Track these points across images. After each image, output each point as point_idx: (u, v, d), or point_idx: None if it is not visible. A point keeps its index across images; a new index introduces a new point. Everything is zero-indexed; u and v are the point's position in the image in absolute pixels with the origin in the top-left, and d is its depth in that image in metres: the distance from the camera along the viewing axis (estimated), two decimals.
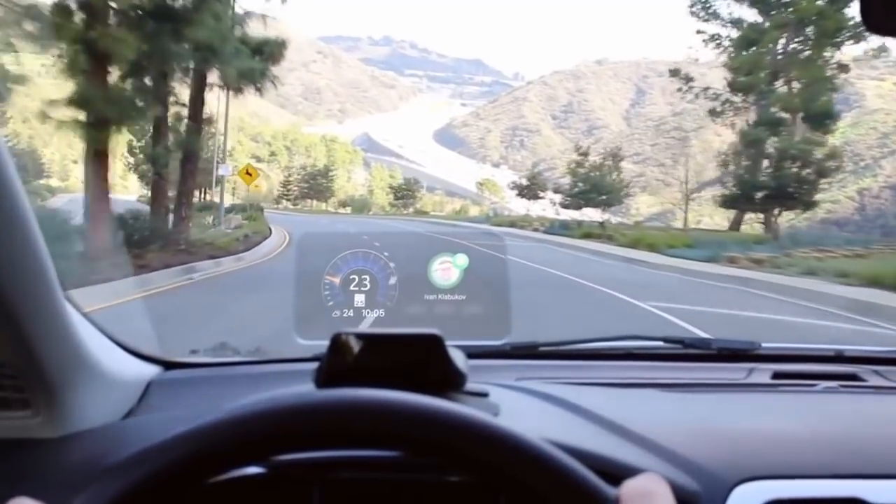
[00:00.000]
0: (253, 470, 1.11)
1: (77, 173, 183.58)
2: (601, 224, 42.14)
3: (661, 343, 1.96)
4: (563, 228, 41.02)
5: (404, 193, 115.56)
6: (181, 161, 23.33)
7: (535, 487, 0.78)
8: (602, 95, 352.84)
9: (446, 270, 1.48)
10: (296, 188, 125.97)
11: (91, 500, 0.78)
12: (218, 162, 36.45)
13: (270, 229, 33.89)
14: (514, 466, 0.78)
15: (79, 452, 1.18)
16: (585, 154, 49.92)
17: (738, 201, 39.24)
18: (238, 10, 23.94)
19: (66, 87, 18.15)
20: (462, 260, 1.48)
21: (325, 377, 1.07)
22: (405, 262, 1.51)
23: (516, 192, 66.26)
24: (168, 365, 1.66)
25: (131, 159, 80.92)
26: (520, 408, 1.31)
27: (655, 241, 29.45)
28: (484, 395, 1.16)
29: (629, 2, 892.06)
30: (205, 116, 24.95)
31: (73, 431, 1.21)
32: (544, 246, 32.39)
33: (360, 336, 1.06)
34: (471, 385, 1.13)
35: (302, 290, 1.48)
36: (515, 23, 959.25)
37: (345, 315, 1.47)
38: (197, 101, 23.62)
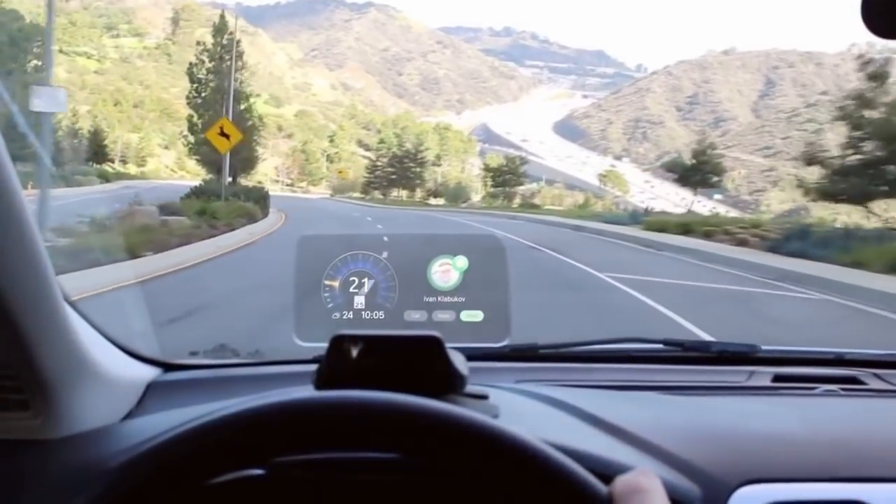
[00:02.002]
0: (252, 471, 1.09)
1: (165, 159, 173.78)
2: None
3: (661, 346, 1.92)
4: (824, 245, 18.52)
5: (506, 178, 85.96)
6: None
7: (528, 485, 0.78)
8: (729, 86, 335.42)
9: (446, 272, 1.45)
10: (382, 174, 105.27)
11: (90, 502, 0.78)
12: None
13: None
14: (510, 465, 0.79)
15: (78, 454, 1.16)
16: (881, 77, 21.07)
17: None
18: None
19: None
20: (462, 262, 1.45)
21: (325, 379, 1.04)
22: (405, 263, 1.47)
23: (676, 176, 42.99)
24: (167, 367, 1.62)
25: (191, 137, 63.24)
26: (519, 410, 1.30)
27: None
28: (484, 397, 1.14)
29: None
30: None
31: (72, 433, 1.19)
32: None
33: (359, 338, 1.04)
34: (470, 387, 1.11)
35: (301, 292, 1.45)
36: (639, 12, 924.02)
37: (344, 317, 1.44)
38: None
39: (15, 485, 1.09)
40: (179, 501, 0.81)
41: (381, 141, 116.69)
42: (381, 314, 1.44)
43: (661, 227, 27.67)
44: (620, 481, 0.75)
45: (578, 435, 1.20)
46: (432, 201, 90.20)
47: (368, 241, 1.48)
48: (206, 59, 74.35)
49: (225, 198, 27.70)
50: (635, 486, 0.74)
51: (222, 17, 76.23)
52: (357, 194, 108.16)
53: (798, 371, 1.82)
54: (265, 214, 29.46)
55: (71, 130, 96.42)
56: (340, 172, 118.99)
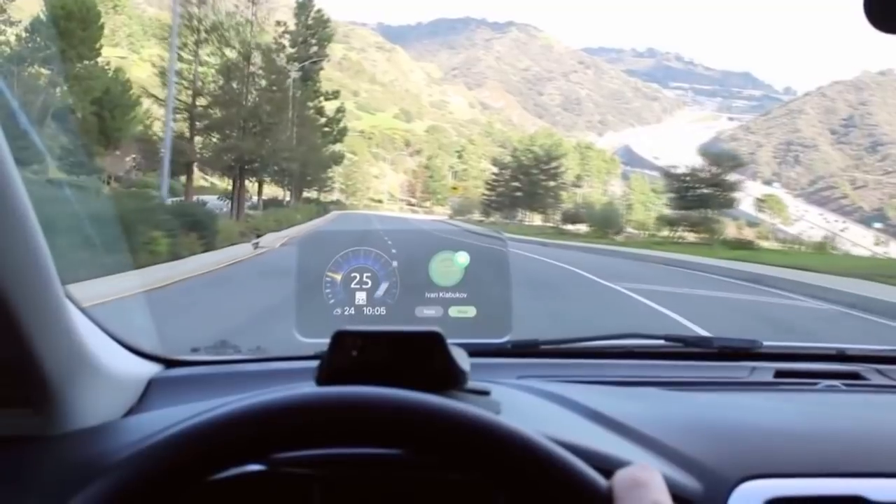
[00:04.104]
0: (253, 467, 1.07)
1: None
2: None
3: (662, 341, 1.90)
4: None
5: (702, 194, 50.54)
6: None
7: (529, 480, 0.77)
8: (888, 108, 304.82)
9: (447, 268, 1.41)
10: (505, 191, 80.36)
11: (90, 498, 0.77)
12: None
13: None
14: (511, 460, 0.78)
15: (78, 450, 1.14)
16: None
17: None
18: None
19: None
20: (463, 258, 1.41)
21: (326, 375, 1.03)
22: (407, 259, 1.44)
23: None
24: (169, 363, 1.60)
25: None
26: (521, 406, 1.29)
27: None
28: (485, 393, 1.13)
29: None
30: None
31: (72, 429, 1.17)
32: None
33: (361, 334, 1.03)
34: (472, 383, 1.10)
35: (303, 288, 1.42)
36: (788, 33, 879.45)
37: (346, 313, 1.40)
38: None
39: (16, 482, 1.07)
40: (179, 497, 0.80)
41: (515, 158, 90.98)
42: (382, 310, 1.40)
43: None
44: (620, 475, 0.74)
45: (580, 430, 1.19)
46: (569, 227, 63.16)
47: (371, 237, 1.44)
48: (287, 44, 55.71)
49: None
50: (635, 480, 0.73)
51: None
52: (478, 216, 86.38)
53: (800, 367, 1.79)
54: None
55: (143, 137, 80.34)
56: (454, 189, 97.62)
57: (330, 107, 63.70)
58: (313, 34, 58.97)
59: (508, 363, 1.71)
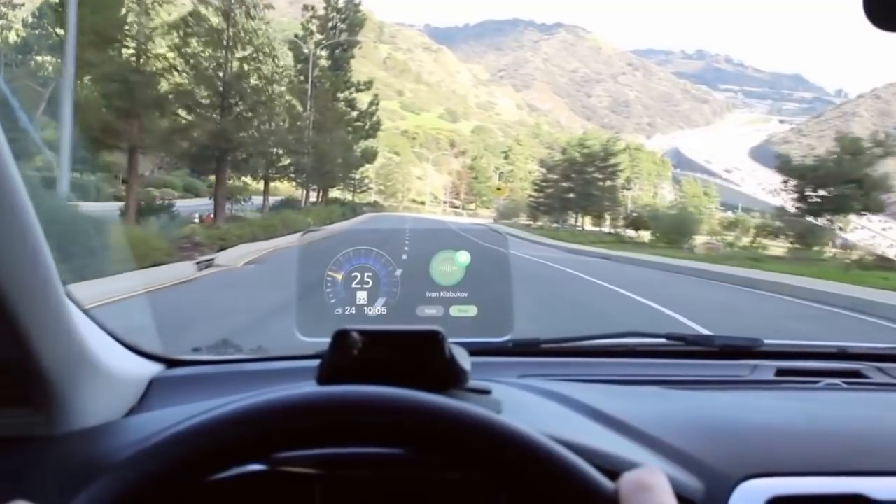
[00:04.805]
0: (254, 467, 1.07)
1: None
2: None
3: (663, 340, 1.90)
4: None
5: (832, 197, 36.63)
6: None
7: (534, 482, 0.76)
8: None
9: (448, 267, 1.41)
10: (554, 192, 70.78)
11: (91, 498, 0.76)
12: None
13: None
14: (514, 461, 0.77)
15: (79, 450, 1.13)
16: None
17: None
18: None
19: None
20: (464, 257, 1.40)
21: (327, 374, 1.02)
22: (407, 258, 1.45)
23: None
24: (170, 363, 1.59)
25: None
26: (522, 405, 1.27)
27: None
28: (486, 392, 1.11)
29: None
30: None
31: (73, 429, 1.16)
32: None
33: (361, 333, 1.02)
34: (473, 382, 1.09)
35: (304, 287, 1.41)
36: (840, 34, 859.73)
37: (346, 312, 1.39)
38: None
39: (17, 481, 1.06)
40: (180, 497, 0.79)
41: (567, 156, 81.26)
42: (383, 310, 1.39)
43: None
44: (627, 478, 0.73)
45: (581, 430, 1.18)
46: (629, 233, 54.59)
47: (380, 235, 1.44)
48: (315, 29, 49.09)
49: None
50: (641, 483, 0.72)
51: None
52: (524, 221, 78.74)
53: (801, 365, 1.79)
54: None
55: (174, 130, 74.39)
56: (498, 190, 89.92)
57: (363, 100, 56.82)
58: (343, 18, 52.40)
59: (509, 362, 1.70)
